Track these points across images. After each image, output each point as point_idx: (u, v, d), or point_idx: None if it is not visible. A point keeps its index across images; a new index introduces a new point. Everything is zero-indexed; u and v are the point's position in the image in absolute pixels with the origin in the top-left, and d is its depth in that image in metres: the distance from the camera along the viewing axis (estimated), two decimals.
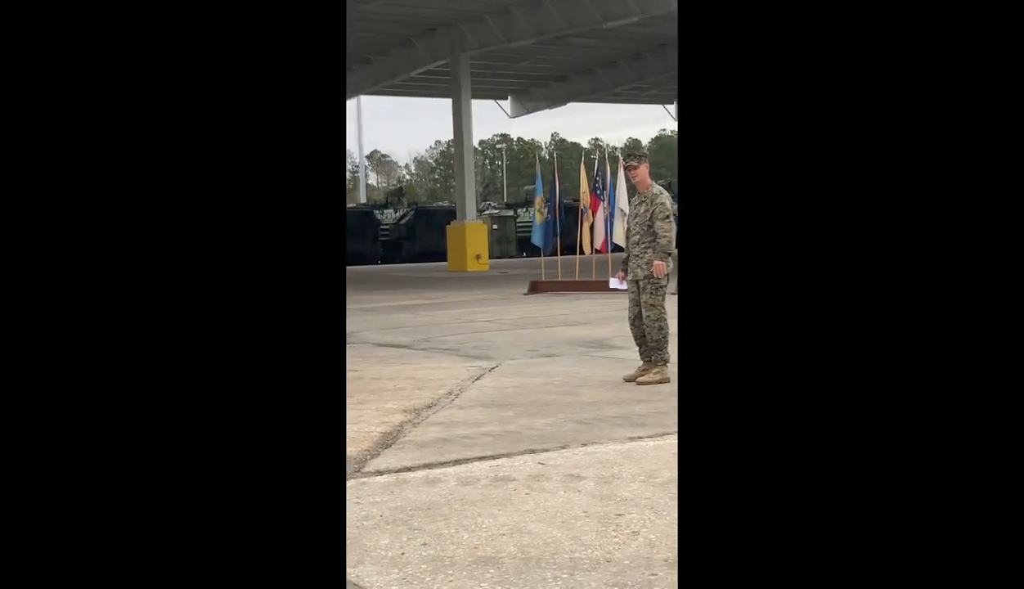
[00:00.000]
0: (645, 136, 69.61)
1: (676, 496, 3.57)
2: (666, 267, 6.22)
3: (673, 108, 31.84)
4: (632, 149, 7.68)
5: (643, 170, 6.41)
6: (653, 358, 6.25)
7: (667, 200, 6.35)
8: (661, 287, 6.30)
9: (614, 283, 6.70)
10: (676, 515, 3.32)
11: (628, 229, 6.61)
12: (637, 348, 6.45)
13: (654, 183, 6.48)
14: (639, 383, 6.14)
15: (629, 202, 6.93)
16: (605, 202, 14.64)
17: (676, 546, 3.01)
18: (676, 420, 5.03)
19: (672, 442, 4.49)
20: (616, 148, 15.44)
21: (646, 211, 6.34)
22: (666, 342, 6.23)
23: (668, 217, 6.29)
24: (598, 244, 14.84)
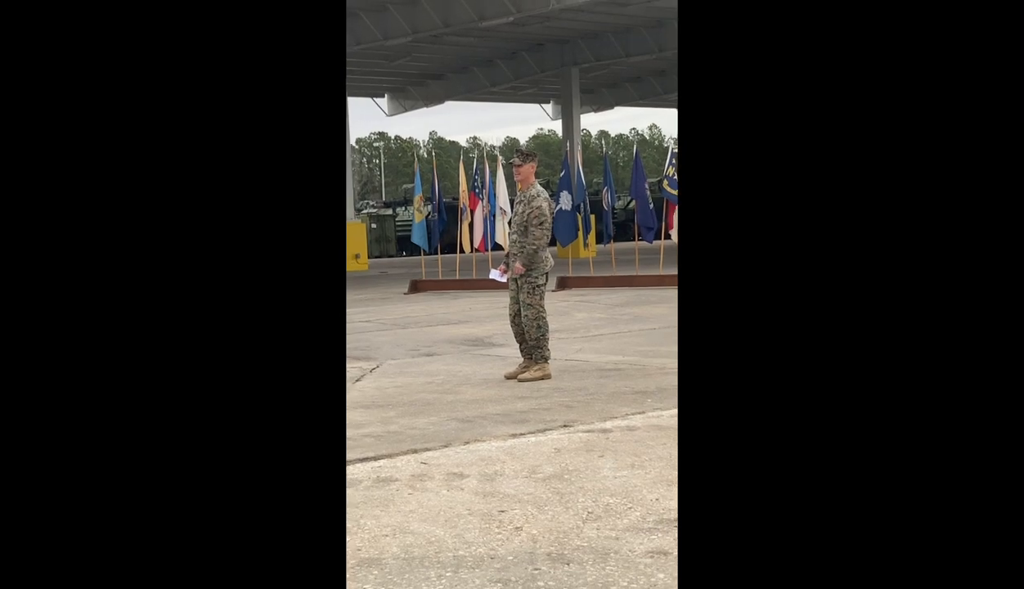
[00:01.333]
0: (523, 135, 70.21)
1: (557, 491, 3.64)
2: (523, 269, 6.30)
3: (550, 107, 32.19)
4: (519, 147, 7.53)
5: (526, 169, 6.41)
6: (533, 355, 6.31)
7: (544, 204, 6.32)
8: (539, 286, 6.32)
9: (494, 274, 6.71)
10: (557, 510, 3.38)
11: (509, 226, 6.67)
12: (518, 345, 6.48)
13: (535, 183, 6.46)
14: (520, 380, 6.18)
15: (511, 200, 7.05)
16: (484, 200, 14.69)
17: (557, 540, 3.05)
18: (556, 416, 5.10)
19: (553, 437, 4.55)
20: (495, 147, 15.60)
21: (523, 211, 6.36)
22: (545, 340, 6.28)
23: (543, 224, 6.28)
24: (477, 243, 14.88)
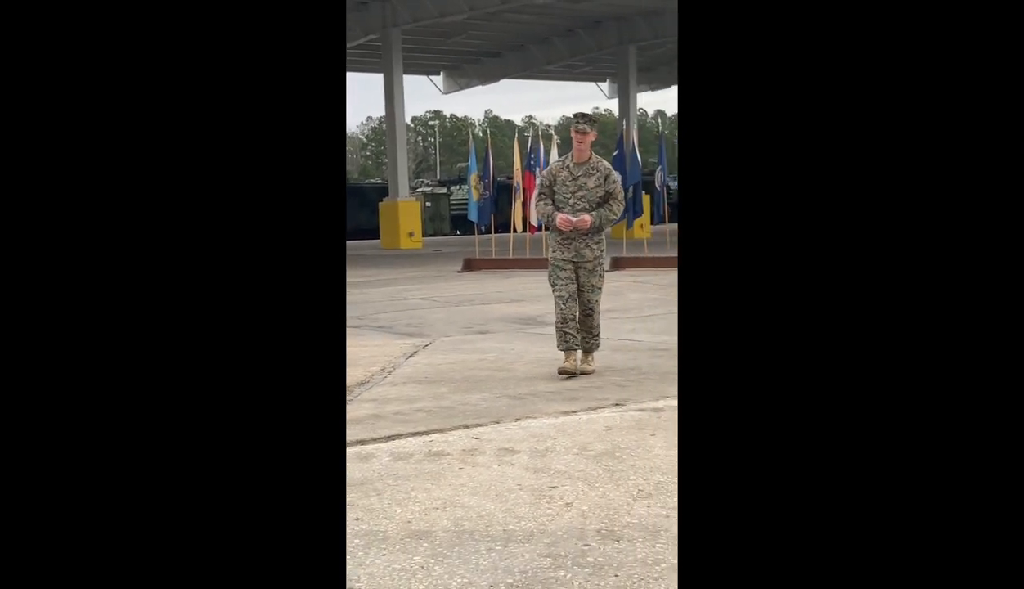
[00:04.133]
0: None
1: (608, 468, 3.63)
2: (589, 222, 5.58)
3: (606, 86, 31.96)
4: (583, 112, 5.85)
5: (592, 137, 5.72)
6: (591, 346, 5.75)
7: (619, 178, 5.83)
8: (603, 265, 5.78)
9: (562, 216, 5.65)
10: (608, 487, 3.38)
11: (548, 193, 5.76)
12: (565, 334, 5.63)
13: (595, 155, 5.81)
14: (585, 373, 5.62)
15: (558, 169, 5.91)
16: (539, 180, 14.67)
17: (608, 517, 3.05)
18: (608, 395, 5.07)
19: (604, 415, 4.54)
20: (550, 126, 15.55)
21: (597, 185, 5.67)
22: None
23: (624, 199, 5.83)
24: (533, 221, 14.87)
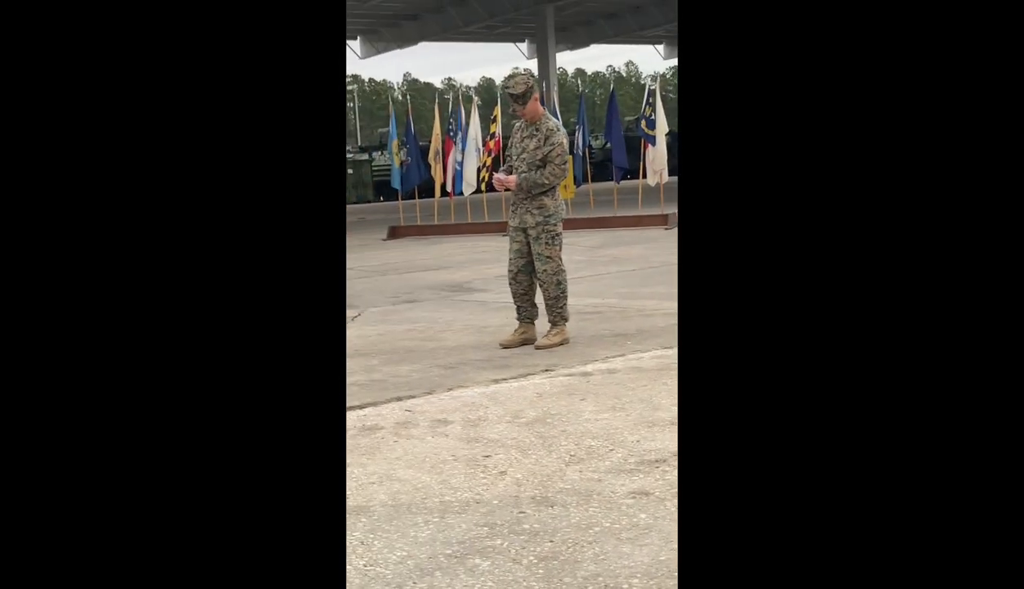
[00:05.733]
0: (498, 75, 69.40)
1: (540, 434, 3.70)
2: (514, 183, 5.49)
3: (525, 46, 31.85)
4: (510, 92, 5.49)
5: (532, 106, 5.47)
6: (551, 318, 5.52)
7: (565, 141, 5.49)
8: (558, 236, 5.54)
9: (499, 175, 5.69)
10: (541, 454, 3.45)
11: (510, 160, 5.66)
12: (516, 306, 5.61)
13: (547, 114, 5.62)
14: (539, 347, 5.39)
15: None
16: (458, 145, 14.61)
17: (541, 483, 3.12)
18: (538, 361, 5.13)
19: (535, 381, 4.61)
20: (470, 88, 15.43)
21: (537, 147, 5.46)
22: (564, 298, 5.52)
23: (564, 163, 5.47)
24: (449, 187, 14.83)
